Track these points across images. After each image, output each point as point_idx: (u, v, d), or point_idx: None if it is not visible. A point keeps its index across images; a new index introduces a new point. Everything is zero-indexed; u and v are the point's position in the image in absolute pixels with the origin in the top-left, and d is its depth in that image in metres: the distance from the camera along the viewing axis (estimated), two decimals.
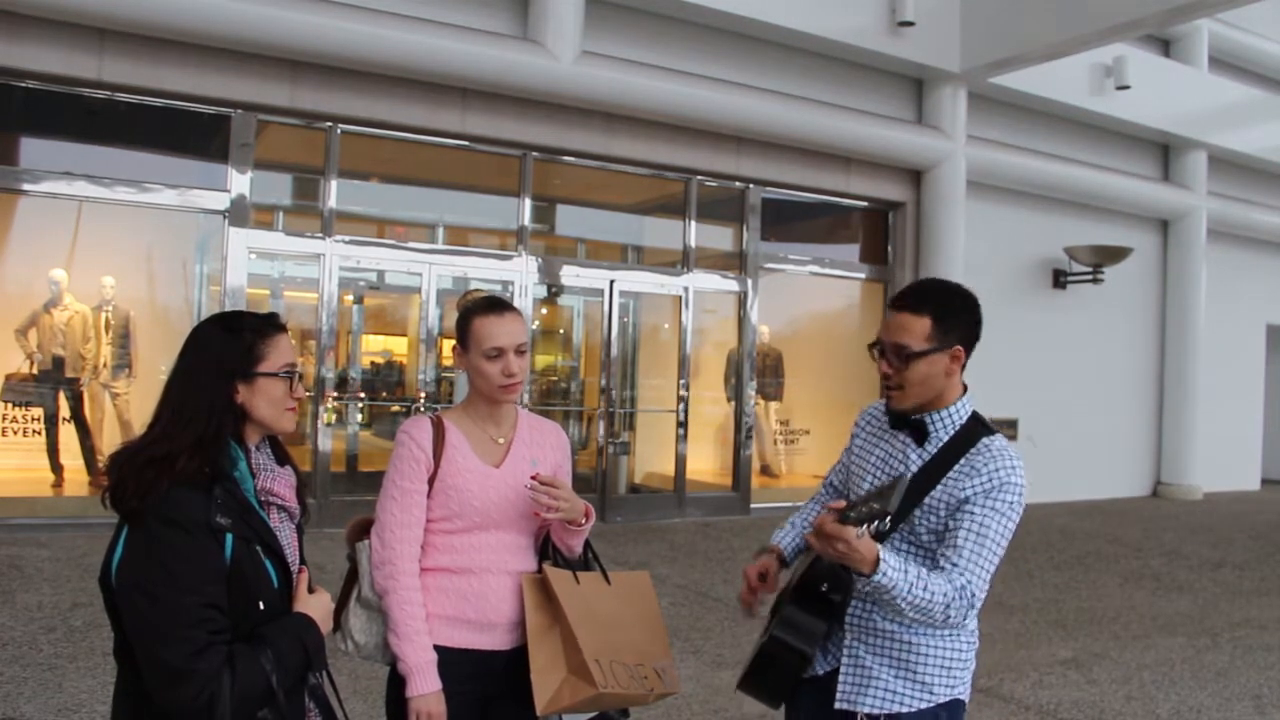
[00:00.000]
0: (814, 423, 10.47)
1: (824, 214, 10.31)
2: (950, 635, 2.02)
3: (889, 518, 1.76)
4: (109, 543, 1.65)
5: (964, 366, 2.07)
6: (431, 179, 8.78)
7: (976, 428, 2.05)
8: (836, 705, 2.04)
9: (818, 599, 2.06)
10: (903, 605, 1.85)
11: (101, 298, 7.90)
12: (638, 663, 2.14)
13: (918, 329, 2.01)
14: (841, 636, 2.07)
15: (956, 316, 2.04)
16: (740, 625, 5.45)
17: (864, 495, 1.80)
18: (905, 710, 2.00)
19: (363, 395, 9.29)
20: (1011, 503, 1.96)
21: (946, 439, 2.04)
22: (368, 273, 8.65)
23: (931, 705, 2.01)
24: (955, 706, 2.05)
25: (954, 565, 1.91)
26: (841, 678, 2.05)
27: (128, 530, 1.63)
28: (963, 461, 2.00)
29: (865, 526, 1.74)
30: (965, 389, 2.10)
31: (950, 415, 2.05)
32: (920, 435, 2.06)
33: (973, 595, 1.90)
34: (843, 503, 1.82)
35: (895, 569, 1.82)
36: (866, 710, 2.01)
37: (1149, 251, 11.99)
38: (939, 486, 2.00)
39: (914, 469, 2.04)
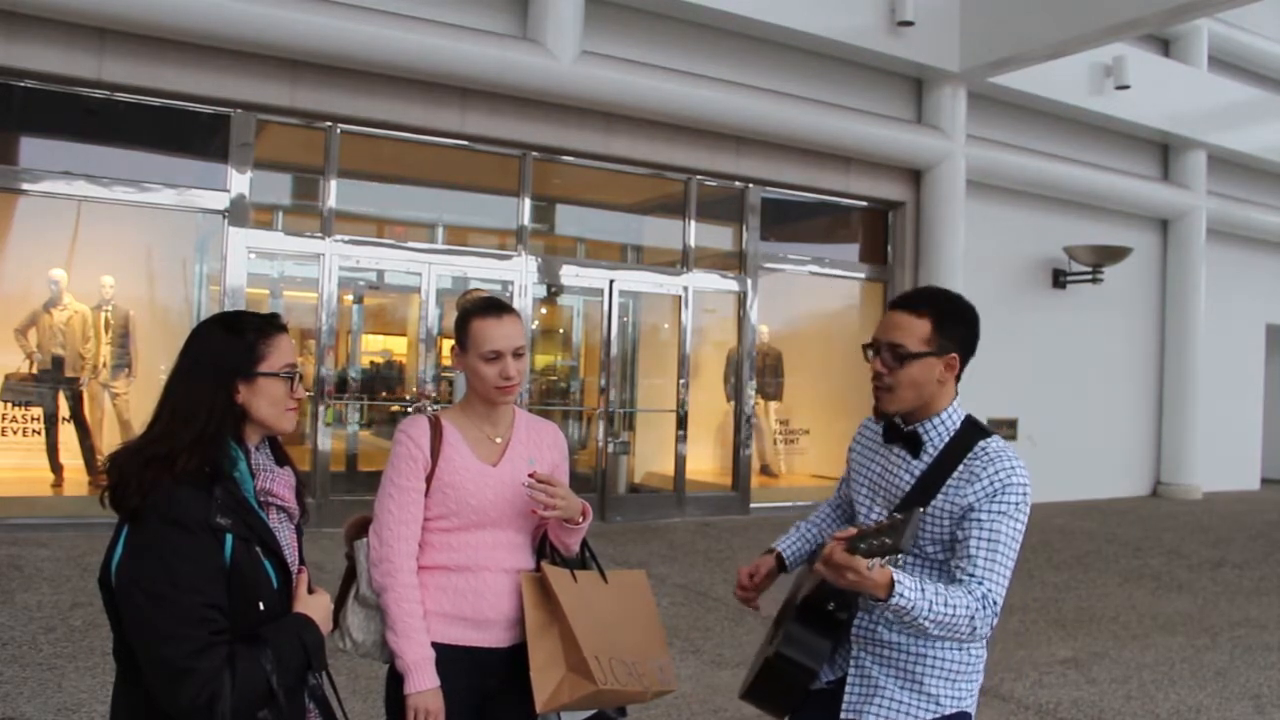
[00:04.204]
0: (813, 422, 10.47)
1: (824, 214, 10.32)
2: (958, 646, 1.99)
3: (900, 554, 1.71)
4: (109, 542, 1.65)
5: (959, 377, 2.03)
6: (431, 179, 8.78)
7: (972, 432, 2.00)
8: (842, 715, 2.02)
9: (823, 617, 2.04)
10: (926, 625, 1.81)
11: (101, 297, 7.90)
12: (636, 660, 2.14)
13: (916, 329, 1.97)
14: (848, 648, 2.05)
15: (957, 324, 2.01)
16: (740, 625, 5.45)
17: (874, 526, 1.75)
18: None
19: (362, 395, 9.29)
20: (1017, 503, 1.91)
21: (942, 446, 2.00)
22: (367, 272, 8.65)
23: (938, 716, 1.98)
24: (961, 719, 2.02)
25: (970, 575, 1.88)
26: (848, 689, 2.03)
27: (128, 530, 1.63)
28: (961, 468, 1.95)
29: (876, 562, 1.71)
30: (956, 395, 2.05)
31: (943, 422, 2.01)
32: (915, 447, 2.02)
33: (995, 603, 1.86)
34: (852, 530, 1.78)
35: (912, 589, 1.78)
36: None
37: (1148, 251, 12.00)
38: (939, 496, 1.96)
39: (911, 481, 2.00)
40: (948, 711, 1.99)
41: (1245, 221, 12.73)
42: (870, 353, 2.04)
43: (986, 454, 1.95)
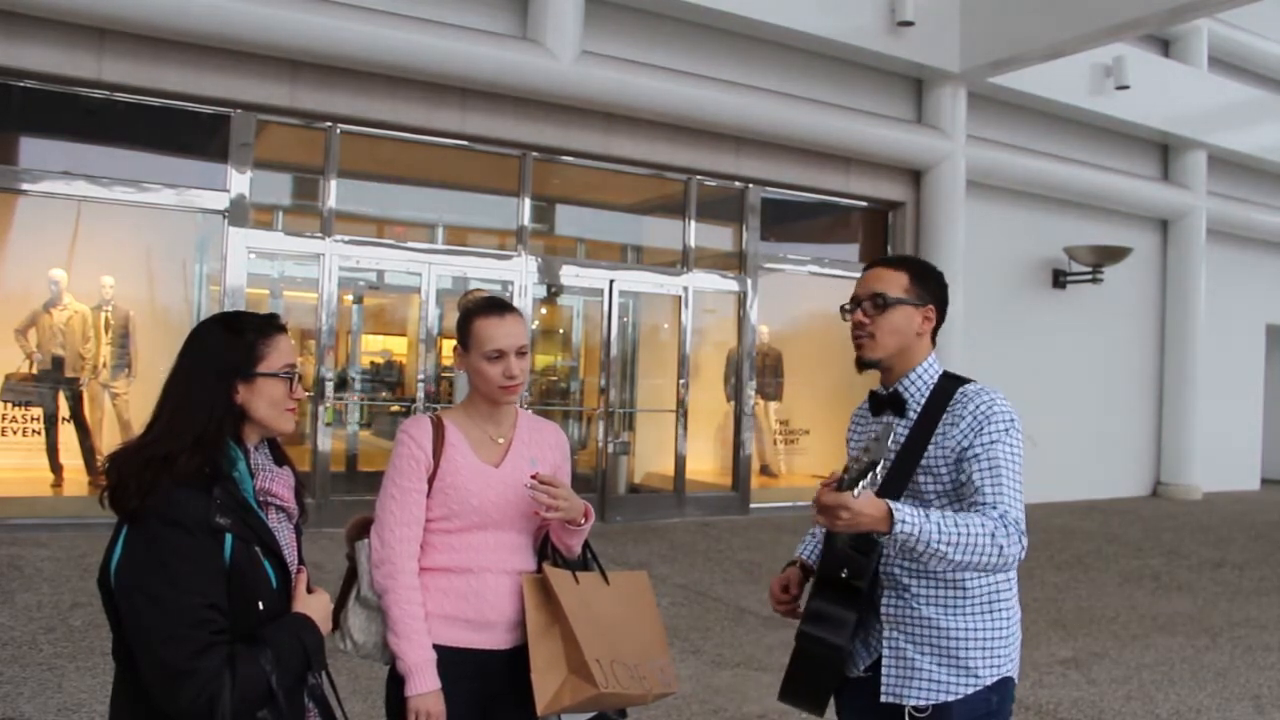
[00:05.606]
0: (813, 422, 10.47)
1: (824, 214, 10.32)
2: (988, 614, 1.99)
3: (878, 465, 1.72)
4: (108, 543, 1.65)
5: (934, 335, 2.12)
6: (431, 179, 8.78)
7: (949, 383, 2.07)
8: (882, 698, 2.00)
9: (840, 587, 2.03)
10: (944, 550, 1.80)
11: (101, 297, 7.90)
12: (637, 662, 2.14)
13: (896, 281, 2.08)
14: (880, 629, 2.04)
15: (931, 281, 2.12)
16: (740, 625, 5.45)
17: (852, 459, 1.79)
18: (953, 698, 1.96)
19: (362, 395, 9.29)
20: (1006, 428, 1.96)
21: (924, 400, 2.05)
22: (367, 272, 8.65)
23: (979, 688, 1.97)
24: (1004, 685, 2.01)
25: (984, 504, 1.89)
26: (885, 670, 2.01)
27: (127, 530, 1.62)
28: (946, 414, 2.01)
29: (861, 485, 1.71)
30: (932, 351, 2.12)
31: (920, 376, 2.08)
32: (899, 407, 2.08)
33: (1017, 521, 1.87)
34: (837, 474, 1.80)
35: (913, 514, 1.79)
36: (913, 703, 1.97)
37: (1149, 251, 12.00)
38: (930, 445, 2.00)
39: (902, 438, 2.04)
40: (988, 681, 1.98)
41: (1245, 221, 12.74)
42: (848, 313, 2.12)
43: (965, 395, 2.02)
